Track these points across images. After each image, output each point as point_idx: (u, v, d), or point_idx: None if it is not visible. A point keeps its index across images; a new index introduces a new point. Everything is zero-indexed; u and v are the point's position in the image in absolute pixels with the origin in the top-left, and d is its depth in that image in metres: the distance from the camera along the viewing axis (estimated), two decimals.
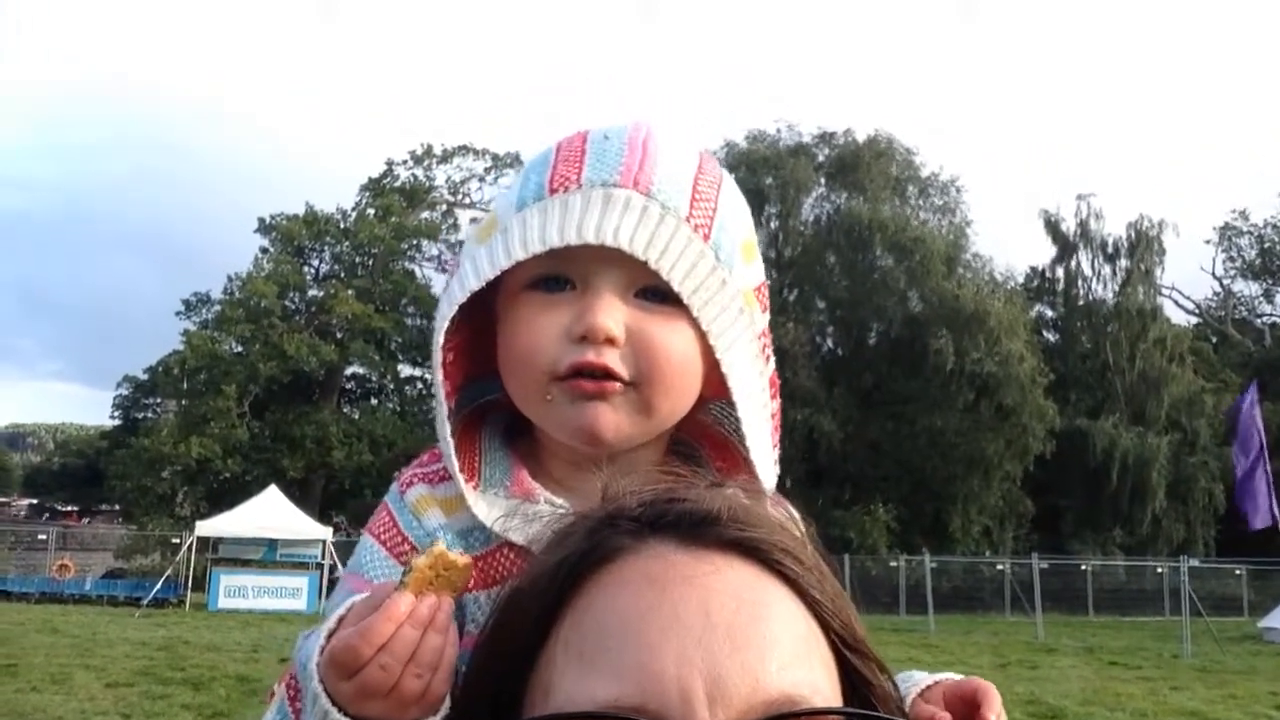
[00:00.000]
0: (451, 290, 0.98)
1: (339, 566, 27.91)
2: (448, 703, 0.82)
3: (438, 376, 1.00)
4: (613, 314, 0.94)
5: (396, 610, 0.79)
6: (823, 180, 44.12)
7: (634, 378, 0.95)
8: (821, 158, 44.25)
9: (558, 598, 0.66)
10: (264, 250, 46.80)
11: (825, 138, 44.57)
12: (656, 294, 0.96)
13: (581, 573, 0.66)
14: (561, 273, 0.95)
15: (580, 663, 0.62)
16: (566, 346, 0.94)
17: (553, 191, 0.96)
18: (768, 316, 1.07)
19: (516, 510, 0.95)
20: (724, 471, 1.01)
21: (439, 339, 0.98)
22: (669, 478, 0.76)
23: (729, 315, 0.98)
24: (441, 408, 0.99)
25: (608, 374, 0.94)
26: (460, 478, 0.98)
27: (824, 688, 0.64)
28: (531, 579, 0.70)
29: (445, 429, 0.98)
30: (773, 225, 42.86)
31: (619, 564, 0.66)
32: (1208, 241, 57.48)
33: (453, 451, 0.99)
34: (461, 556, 0.84)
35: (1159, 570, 33.72)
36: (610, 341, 0.94)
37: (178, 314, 47.13)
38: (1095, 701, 13.18)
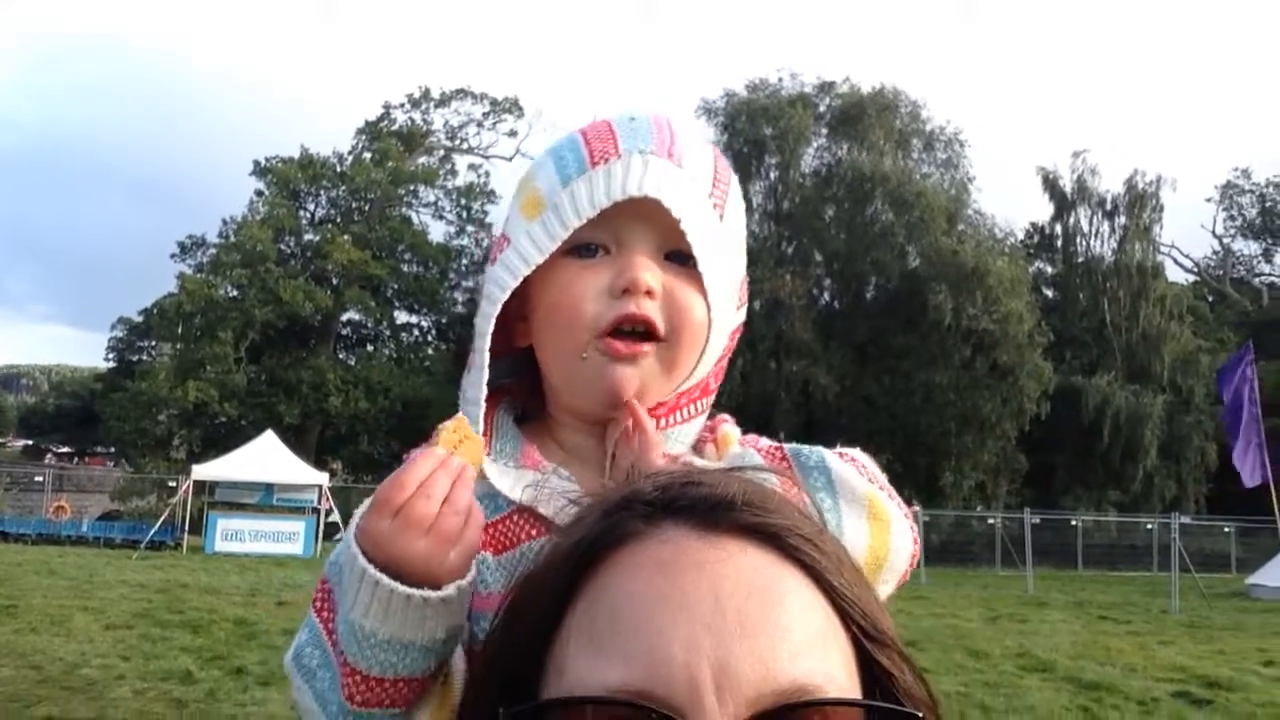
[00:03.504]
0: (511, 262, 1.04)
1: (335, 511, 28.08)
2: (474, 570, 0.89)
3: (483, 344, 1.05)
4: (651, 269, 1.02)
5: (434, 453, 0.89)
6: (824, 131, 43.71)
7: (667, 332, 1.03)
8: (822, 108, 43.79)
9: (572, 579, 0.66)
10: (259, 194, 46.47)
11: (826, 87, 44.06)
12: (679, 258, 1.04)
13: (596, 555, 0.66)
14: (596, 240, 1.03)
15: (591, 645, 0.63)
16: (609, 302, 1.02)
17: (594, 164, 1.03)
18: (744, 314, 1.16)
19: (537, 481, 1.01)
20: None
21: (493, 310, 1.04)
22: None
23: (725, 293, 1.07)
24: (482, 373, 1.05)
25: (648, 327, 1.01)
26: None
27: (839, 678, 0.62)
28: (547, 560, 0.70)
29: (481, 393, 1.04)
30: (772, 176, 42.58)
31: (632, 547, 0.65)
32: (1209, 200, 57.34)
33: (481, 414, 1.04)
34: (478, 435, 0.95)
35: (1149, 527, 34.05)
36: (650, 294, 1.01)
37: (172, 257, 46.98)
38: (1085, 655, 13.32)
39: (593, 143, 1.05)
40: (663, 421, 1.07)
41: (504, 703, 0.64)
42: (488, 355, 1.04)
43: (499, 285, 1.04)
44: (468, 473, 0.89)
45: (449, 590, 0.85)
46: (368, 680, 0.86)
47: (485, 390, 1.04)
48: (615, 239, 1.03)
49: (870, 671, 0.66)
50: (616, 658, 0.61)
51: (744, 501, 0.67)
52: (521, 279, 1.02)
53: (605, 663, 0.61)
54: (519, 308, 1.07)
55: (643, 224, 1.02)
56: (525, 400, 1.14)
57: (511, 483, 1.03)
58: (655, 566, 0.63)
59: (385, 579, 0.83)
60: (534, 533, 1.00)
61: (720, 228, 1.06)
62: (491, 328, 1.04)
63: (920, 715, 0.64)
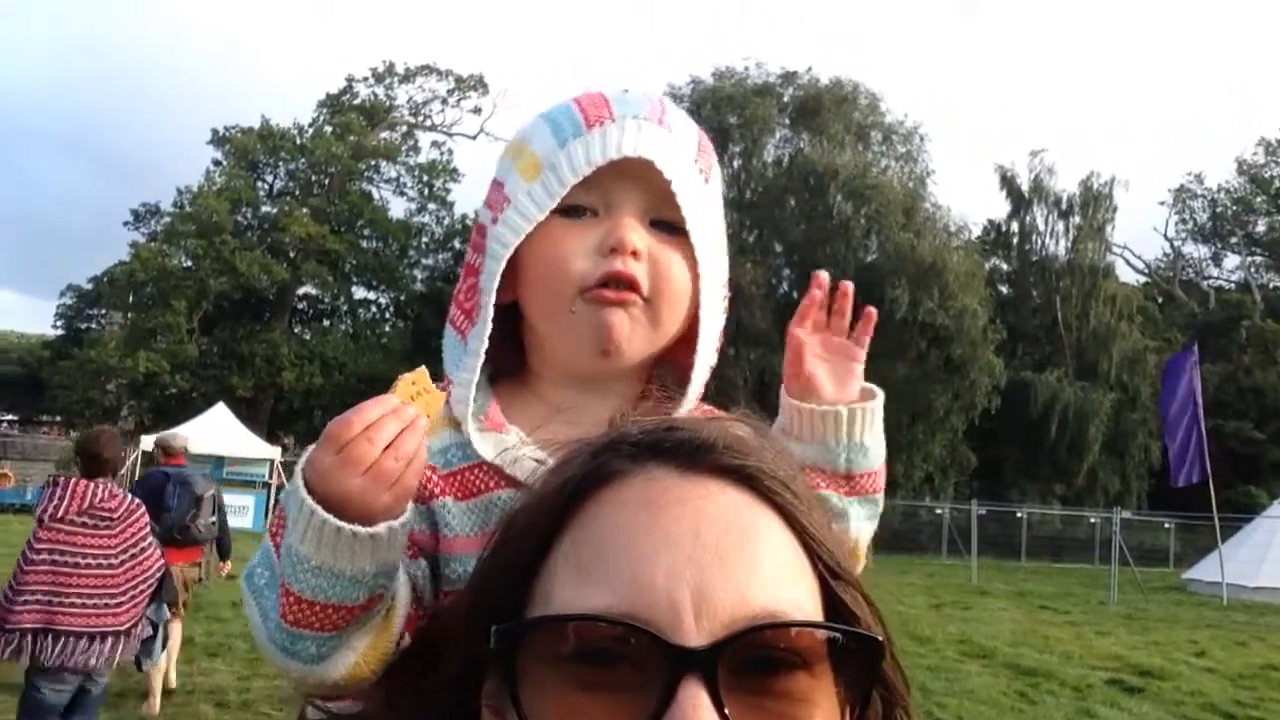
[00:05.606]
0: (512, 220, 1.09)
1: (286, 486, 27.87)
2: (409, 511, 0.93)
3: (488, 300, 1.10)
4: (638, 231, 1.08)
5: (387, 401, 0.91)
6: (786, 122, 43.90)
7: (650, 293, 1.09)
8: (786, 98, 43.96)
9: (561, 515, 0.71)
10: (216, 163, 45.71)
11: (789, 77, 44.23)
12: (663, 225, 1.10)
13: (583, 492, 0.70)
14: (586, 202, 1.09)
15: (578, 574, 0.67)
16: (596, 260, 1.07)
17: (589, 128, 1.08)
18: (725, 307, 1.22)
19: (506, 450, 1.08)
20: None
21: (498, 266, 1.09)
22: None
23: (715, 253, 1.14)
24: (485, 326, 1.11)
25: (632, 285, 1.07)
26: (471, 406, 1.10)
27: (806, 606, 0.67)
28: (537, 498, 0.74)
29: (482, 345, 1.11)
30: (735, 164, 42.64)
31: (618, 486, 0.70)
32: (1161, 203, 58.39)
33: (478, 366, 1.10)
34: (437, 390, 0.98)
35: (1092, 521, 34.69)
36: (635, 255, 1.07)
37: (125, 224, 46.13)
38: (1024, 643, 13.62)
39: (587, 109, 1.10)
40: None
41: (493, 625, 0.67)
42: (491, 310, 1.11)
43: (501, 243, 1.09)
44: (419, 422, 0.92)
45: (379, 528, 0.89)
46: (300, 602, 0.91)
47: (486, 343, 1.10)
48: (604, 202, 1.09)
49: (835, 607, 0.70)
50: (602, 584, 0.65)
51: (724, 445, 0.72)
52: (523, 236, 1.08)
53: (591, 589, 0.65)
54: (508, 269, 1.11)
55: (631, 189, 1.08)
56: (500, 359, 1.18)
57: (479, 439, 1.09)
58: (640, 503, 0.68)
59: (320, 510, 0.88)
60: (500, 483, 1.06)
61: (705, 190, 1.13)
62: (496, 284, 1.09)
63: (879, 639, 0.68)
